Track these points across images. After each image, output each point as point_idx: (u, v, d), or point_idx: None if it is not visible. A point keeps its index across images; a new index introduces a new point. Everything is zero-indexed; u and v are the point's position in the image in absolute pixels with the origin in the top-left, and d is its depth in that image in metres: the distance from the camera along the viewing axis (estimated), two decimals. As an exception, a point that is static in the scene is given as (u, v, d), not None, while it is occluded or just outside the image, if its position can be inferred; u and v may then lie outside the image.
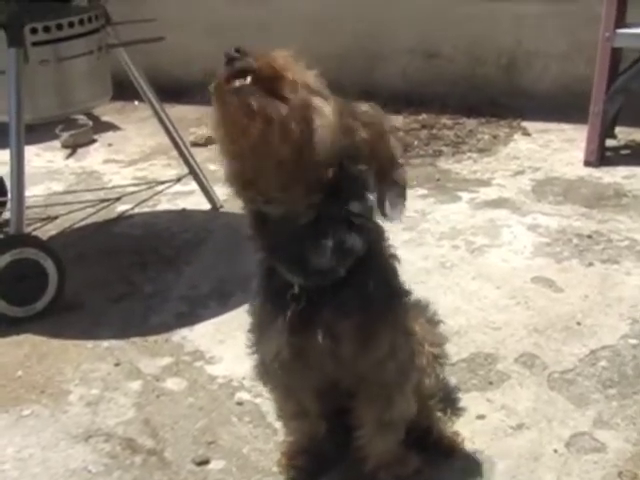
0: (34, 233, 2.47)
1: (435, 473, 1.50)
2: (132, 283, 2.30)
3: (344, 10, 3.83)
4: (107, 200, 2.82)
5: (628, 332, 1.91)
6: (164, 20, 3.05)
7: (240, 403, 1.74)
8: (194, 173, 2.75)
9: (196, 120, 3.46)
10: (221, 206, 2.75)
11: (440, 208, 2.68)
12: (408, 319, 1.37)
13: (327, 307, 1.24)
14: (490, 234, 2.47)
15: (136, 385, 1.84)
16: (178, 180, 2.87)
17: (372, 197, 1.23)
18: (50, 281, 2.12)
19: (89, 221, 2.68)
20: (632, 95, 2.90)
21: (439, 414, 1.56)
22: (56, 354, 1.97)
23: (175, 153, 2.82)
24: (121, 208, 2.80)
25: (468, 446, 1.55)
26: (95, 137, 3.65)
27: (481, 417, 1.65)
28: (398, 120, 3.46)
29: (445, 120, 3.53)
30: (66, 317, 2.12)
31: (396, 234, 2.29)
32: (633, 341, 1.88)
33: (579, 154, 3.01)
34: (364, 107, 1.22)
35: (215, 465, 1.57)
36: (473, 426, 1.62)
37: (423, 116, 3.57)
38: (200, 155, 2.81)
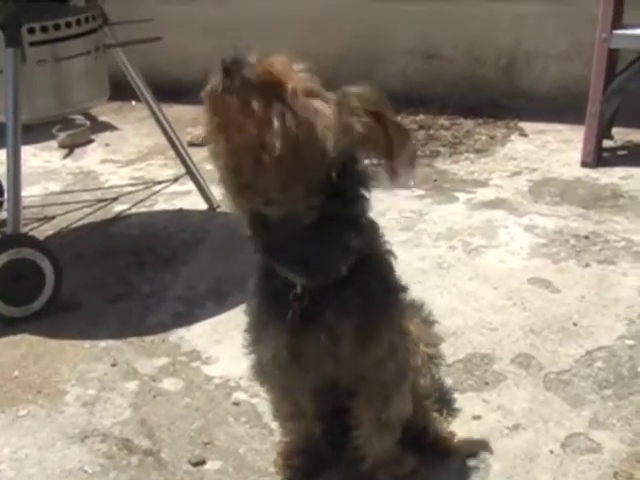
0: (31, 233, 2.47)
1: (431, 473, 1.50)
2: (129, 283, 2.30)
3: (344, 10, 3.82)
4: (104, 200, 2.83)
5: (624, 333, 1.91)
6: (161, 20, 3.05)
7: (237, 403, 1.74)
8: (191, 173, 2.75)
9: (193, 120, 3.45)
10: (218, 206, 2.74)
11: (437, 209, 2.67)
12: (404, 318, 1.37)
13: (329, 306, 1.24)
14: (487, 235, 2.47)
15: (133, 385, 1.84)
16: (175, 180, 2.88)
17: (379, 168, 1.19)
18: (47, 281, 2.11)
19: (86, 221, 2.68)
20: (629, 96, 2.90)
21: (435, 414, 1.56)
22: (53, 354, 1.97)
23: (172, 153, 2.81)
24: (118, 208, 2.80)
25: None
26: (92, 137, 3.65)
27: (477, 417, 1.65)
28: (396, 120, 3.46)
29: (442, 121, 3.53)
30: (63, 317, 2.12)
31: (393, 234, 2.31)
32: (629, 342, 1.88)
33: (576, 155, 3.01)
34: (360, 90, 1.17)
35: (211, 465, 1.57)
36: (469, 426, 1.62)
37: (421, 117, 3.56)
38: (197, 155, 2.81)
